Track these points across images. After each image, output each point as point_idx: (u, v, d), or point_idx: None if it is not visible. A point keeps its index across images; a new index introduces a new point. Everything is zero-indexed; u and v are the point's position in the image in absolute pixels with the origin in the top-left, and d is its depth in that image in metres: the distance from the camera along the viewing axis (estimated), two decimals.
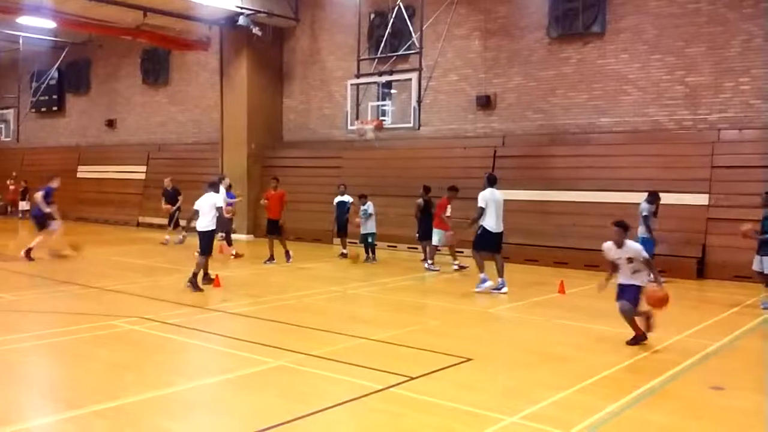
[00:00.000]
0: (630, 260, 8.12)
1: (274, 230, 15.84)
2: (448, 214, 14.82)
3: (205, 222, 12.14)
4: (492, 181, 12.32)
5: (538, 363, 7.59)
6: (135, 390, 6.37)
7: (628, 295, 8.14)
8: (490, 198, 11.99)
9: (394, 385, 6.45)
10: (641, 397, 6.34)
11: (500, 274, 12.10)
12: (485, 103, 18.55)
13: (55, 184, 15.94)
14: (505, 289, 11.98)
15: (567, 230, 16.04)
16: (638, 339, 8.21)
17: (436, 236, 15.01)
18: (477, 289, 12.04)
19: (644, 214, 13.36)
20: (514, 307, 10.81)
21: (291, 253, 15.86)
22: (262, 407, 5.96)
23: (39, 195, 15.72)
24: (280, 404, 6.00)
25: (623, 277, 8.25)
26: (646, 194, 13.74)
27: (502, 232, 12.24)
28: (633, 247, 8.20)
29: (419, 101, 16.67)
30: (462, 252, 15.77)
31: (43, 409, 6.10)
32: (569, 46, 17.40)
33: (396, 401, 6.06)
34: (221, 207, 12.62)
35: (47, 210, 15.52)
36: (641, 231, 13.21)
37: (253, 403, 6.08)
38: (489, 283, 12.05)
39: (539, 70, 17.83)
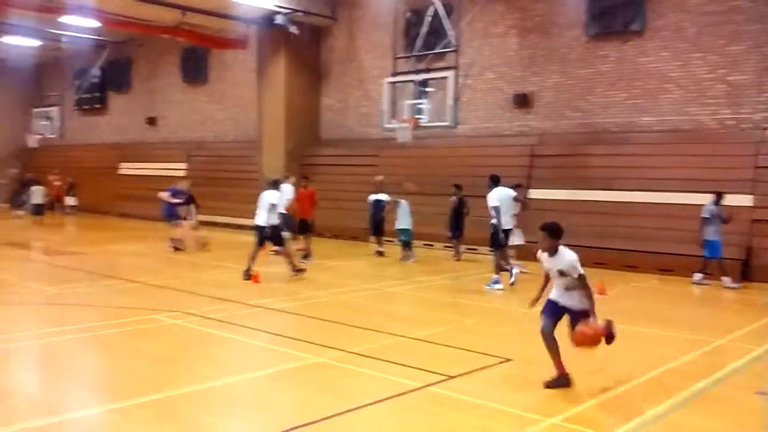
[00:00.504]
0: (562, 273, 6.51)
1: (306, 229, 15.77)
2: (517, 212, 13.84)
3: (263, 217, 12.72)
4: (496, 181, 12.70)
5: (578, 364, 7.51)
6: (177, 383, 6.50)
7: (576, 319, 6.52)
8: (500, 197, 12.36)
9: (432, 384, 6.47)
10: (685, 401, 6.26)
11: (497, 270, 12.43)
12: (522, 101, 18.44)
13: (181, 185, 17.13)
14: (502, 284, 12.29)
15: (606, 230, 15.84)
16: (559, 381, 6.48)
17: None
18: (488, 287, 12.24)
19: (705, 215, 13.09)
20: None
21: (312, 254, 15.45)
22: (301, 403, 6.03)
23: (165, 194, 16.73)
24: (320, 400, 6.06)
25: (554, 293, 6.71)
26: (712, 195, 13.32)
27: (511, 229, 12.62)
28: (566, 257, 6.51)
29: (456, 99, 16.64)
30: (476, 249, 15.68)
31: (89, 400, 6.25)
32: (607, 44, 17.20)
33: (435, 400, 6.08)
34: (275, 204, 12.92)
35: (174, 202, 16.67)
36: (709, 233, 12.95)
37: (292, 399, 6.15)
38: (500, 286, 12.20)
39: (577, 68, 17.67)
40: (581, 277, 6.47)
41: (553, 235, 6.64)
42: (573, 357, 7.78)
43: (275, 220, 12.85)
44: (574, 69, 17.72)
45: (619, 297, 11.93)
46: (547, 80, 18.21)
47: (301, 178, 16.61)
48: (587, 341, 6.38)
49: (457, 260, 16.21)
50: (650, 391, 6.56)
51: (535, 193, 17.49)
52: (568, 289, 6.57)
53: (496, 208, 12.27)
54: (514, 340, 8.58)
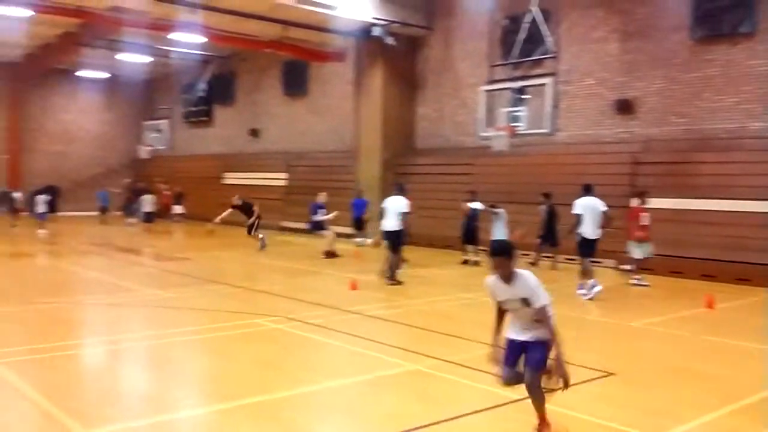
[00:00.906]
0: (526, 303, 5.20)
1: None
2: (646, 222, 13.73)
3: (391, 223, 13.41)
4: (587, 190, 12.79)
5: (684, 381, 7.24)
6: (277, 386, 6.69)
7: (532, 355, 5.30)
8: (585, 205, 12.43)
9: None
10: None
11: (583, 276, 12.53)
12: (624, 107, 17.91)
13: (321, 199, 18.42)
14: (588, 290, 12.33)
15: (714, 241, 15.13)
16: None
17: (638, 249, 14.01)
18: (587, 295, 12.20)
19: None
20: (657, 322, 10.35)
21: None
22: (398, 410, 6.07)
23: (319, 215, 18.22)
24: (417, 408, 6.08)
25: (515, 330, 5.40)
26: None
27: (597, 239, 12.57)
28: (529, 281, 5.17)
29: (554, 106, 16.34)
30: (573, 260, 15.27)
31: (196, 399, 6.53)
32: (715, 47, 16.46)
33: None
34: (404, 210, 13.52)
35: (317, 219, 18.16)
36: None
37: (389, 406, 6.21)
38: (599, 288, 12.19)
39: (682, 73, 16.99)
40: (542, 310, 5.18)
41: (510, 256, 5.16)
42: (677, 377, 7.47)
43: (400, 226, 13.41)
44: (679, 73, 17.05)
45: (728, 310, 11.37)
46: (650, 85, 17.60)
47: (395, 186, 16.52)
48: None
49: (535, 266, 16.27)
50: (762, 411, 6.21)
51: (638, 203, 16.91)
52: (533, 322, 5.26)
53: (578, 216, 12.39)
54: (617, 353, 8.33)
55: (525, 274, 5.20)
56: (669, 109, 17.30)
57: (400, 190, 13.90)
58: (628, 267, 14.34)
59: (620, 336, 9.46)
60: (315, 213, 18.26)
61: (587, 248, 12.54)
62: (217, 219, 19.86)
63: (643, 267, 14.11)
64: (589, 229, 12.40)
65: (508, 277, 5.16)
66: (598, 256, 16.31)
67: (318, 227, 18.23)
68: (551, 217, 16.25)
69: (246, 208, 19.56)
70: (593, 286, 12.23)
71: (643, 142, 17.67)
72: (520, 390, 6.48)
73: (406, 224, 13.57)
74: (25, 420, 5.69)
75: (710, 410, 6.14)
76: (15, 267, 16.46)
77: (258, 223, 19.70)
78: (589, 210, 12.43)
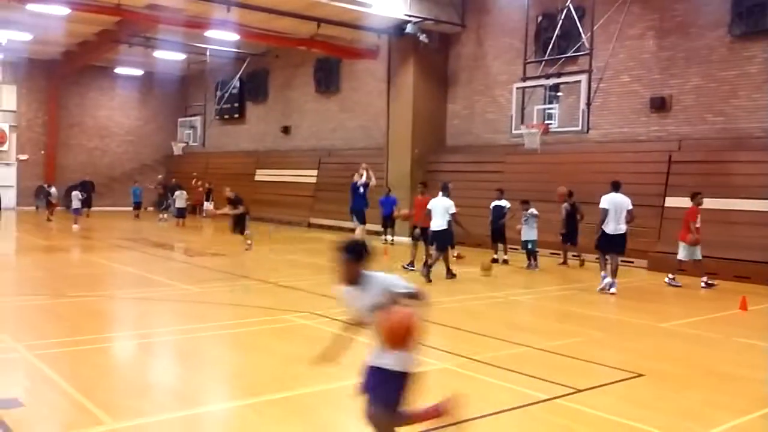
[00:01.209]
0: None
1: (425, 237, 14.53)
2: (698, 224, 13.40)
3: (438, 222, 13.75)
4: (616, 187, 12.95)
5: (716, 383, 7.11)
6: (306, 382, 6.72)
7: (379, 390, 4.54)
8: (610, 201, 12.68)
9: (559, 396, 6.31)
10: None
11: (613, 275, 12.65)
12: (660, 105, 17.63)
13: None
14: (613, 290, 12.50)
15: (751, 242, 14.83)
16: None
17: (683, 251, 13.64)
18: (604, 290, 12.58)
19: None
20: (689, 323, 10.18)
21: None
22: None
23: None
24: None
25: (373, 352, 4.61)
26: None
27: (621, 234, 12.72)
28: (382, 281, 4.44)
29: (588, 104, 16.15)
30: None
31: (225, 394, 6.60)
32: (754, 44, 16.11)
33: (562, 413, 5.93)
34: (454, 213, 13.90)
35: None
36: None
37: (416, 404, 6.18)
38: (609, 279, 12.57)
39: (720, 70, 16.67)
40: (412, 296, 4.56)
41: (357, 257, 4.38)
42: (709, 379, 7.34)
43: (446, 226, 13.70)
44: (716, 71, 16.73)
45: (762, 313, 11.15)
46: (687, 83, 17.30)
47: (419, 184, 16.39)
48: (399, 331, 4.32)
49: (565, 265, 16.56)
50: None
51: (673, 202, 16.68)
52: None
53: (604, 211, 12.64)
54: (647, 354, 8.20)
55: (376, 275, 4.43)
56: (705, 108, 16.99)
57: (445, 190, 14.14)
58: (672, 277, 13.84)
59: (650, 337, 9.32)
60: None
61: (606, 244, 12.76)
62: (218, 211, 19.52)
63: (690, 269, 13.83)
64: (611, 226, 12.62)
65: (353, 280, 4.39)
66: (630, 256, 16.27)
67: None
68: (572, 216, 16.18)
69: (237, 203, 18.08)
70: (607, 283, 12.61)
71: (678, 140, 17.39)
72: (548, 390, 6.44)
73: (451, 224, 13.83)
74: (58, 410, 5.80)
75: (741, 414, 6.02)
76: (49, 261, 16.79)
77: (247, 221, 18.18)
78: (613, 206, 12.65)
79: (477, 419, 5.71)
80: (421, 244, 14.71)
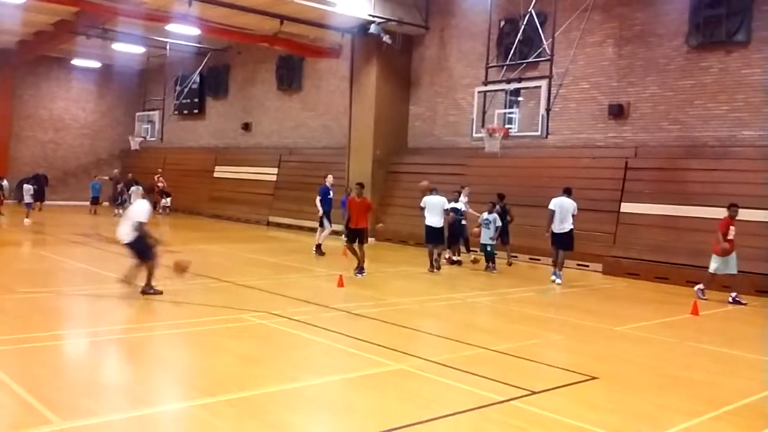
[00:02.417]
0: None
1: (356, 238, 14.35)
2: (731, 236, 12.93)
3: (435, 219, 15.41)
4: (567, 192, 14.75)
5: (668, 386, 7.24)
6: (262, 382, 6.64)
7: None
8: (556, 204, 14.54)
9: (515, 398, 6.35)
10: None
11: (558, 267, 14.59)
12: (617, 112, 17.94)
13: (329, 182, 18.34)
14: (558, 281, 14.36)
15: (702, 248, 15.13)
16: None
17: (714, 263, 13.13)
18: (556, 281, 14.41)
19: None
20: (642, 327, 10.36)
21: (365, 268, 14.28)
22: (382, 409, 6.04)
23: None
24: (401, 407, 6.05)
25: None
26: None
27: (566, 233, 14.46)
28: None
29: (548, 109, 16.33)
30: (587, 266, 15.21)
31: (179, 394, 6.48)
32: (710, 54, 16.50)
33: (517, 415, 5.96)
34: (447, 209, 15.62)
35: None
36: None
37: (373, 405, 6.17)
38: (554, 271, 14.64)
39: (677, 80, 17.03)
40: None
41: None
42: (661, 382, 7.48)
43: (441, 223, 15.41)
44: (673, 80, 17.09)
45: (713, 317, 11.41)
46: (644, 91, 17.64)
47: (356, 184, 15.83)
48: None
49: (509, 265, 17.12)
50: (745, 417, 6.21)
51: (628, 207, 16.99)
52: None
53: (549, 212, 14.54)
54: (601, 357, 8.32)
55: None
56: (662, 116, 17.34)
57: (436, 190, 15.82)
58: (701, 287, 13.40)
59: (605, 340, 9.46)
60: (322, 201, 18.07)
61: (554, 241, 14.64)
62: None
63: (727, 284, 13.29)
64: (556, 225, 14.49)
65: None
66: (586, 260, 16.55)
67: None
68: (504, 217, 16.71)
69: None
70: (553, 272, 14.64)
71: (634, 147, 17.71)
72: (504, 392, 6.49)
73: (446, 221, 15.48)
74: (5, 410, 5.62)
75: (694, 416, 6.14)
76: None
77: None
78: (559, 208, 14.50)
79: (433, 420, 5.71)
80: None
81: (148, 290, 10.81)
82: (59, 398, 5.88)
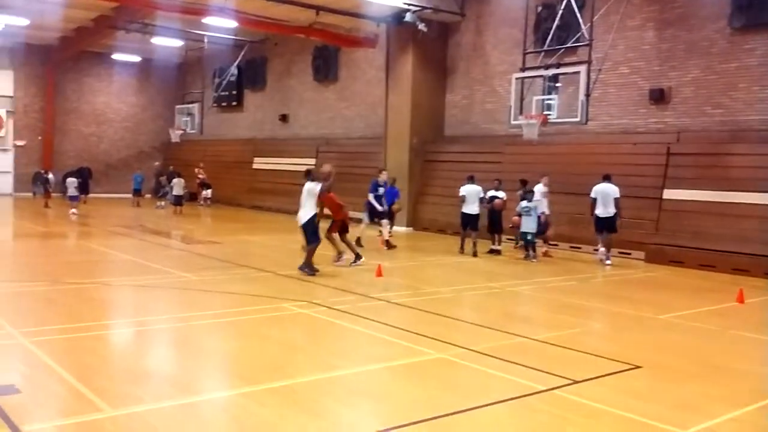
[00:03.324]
0: None
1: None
2: None
3: (473, 207, 16.29)
4: (606, 178, 15.39)
5: (713, 375, 7.13)
6: (304, 371, 6.72)
7: None
8: (596, 191, 15.35)
9: (557, 387, 6.32)
10: None
11: (607, 249, 15.44)
12: (659, 96, 17.60)
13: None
14: (608, 262, 15.22)
15: (749, 234, 14.84)
16: None
17: None
18: (605, 261, 15.30)
19: None
20: (687, 315, 10.19)
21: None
22: (423, 398, 6.06)
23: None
24: (442, 396, 6.07)
25: None
26: None
27: (608, 217, 15.25)
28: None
29: (587, 95, 16.12)
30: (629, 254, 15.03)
31: (223, 382, 6.60)
32: (755, 36, 16.07)
33: (560, 404, 5.94)
34: (484, 197, 16.38)
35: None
36: None
37: (414, 393, 6.20)
38: (602, 249, 15.42)
39: (720, 63, 16.64)
40: None
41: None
42: (705, 371, 7.36)
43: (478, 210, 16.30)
44: (716, 63, 16.70)
45: (760, 306, 11.17)
46: (686, 75, 17.27)
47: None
48: None
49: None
50: None
51: (671, 194, 16.69)
52: None
53: (591, 199, 15.30)
54: (644, 346, 8.22)
55: None
56: (704, 100, 16.97)
57: (473, 179, 16.59)
58: None
59: (648, 328, 9.35)
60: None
61: (599, 225, 15.37)
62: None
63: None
64: (599, 210, 15.24)
65: None
66: (628, 248, 16.34)
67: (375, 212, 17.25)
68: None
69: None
70: (602, 252, 15.30)
71: (676, 132, 17.37)
72: (546, 381, 6.46)
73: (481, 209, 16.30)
74: (55, 397, 5.79)
75: (739, 406, 6.03)
76: (47, 247, 16.76)
77: None
78: (600, 195, 15.20)
79: (474, 410, 5.72)
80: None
81: (304, 268, 12.32)
82: (107, 386, 6.04)
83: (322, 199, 13.05)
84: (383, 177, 17.43)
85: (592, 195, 15.29)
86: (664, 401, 6.14)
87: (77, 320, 8.57)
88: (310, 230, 12.43)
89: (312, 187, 12.49)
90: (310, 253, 12.54)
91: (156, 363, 7.24)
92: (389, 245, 16.88)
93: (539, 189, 16.51)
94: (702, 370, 7.30)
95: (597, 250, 15.86)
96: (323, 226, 13.30)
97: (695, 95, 17.13)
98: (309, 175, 13.03)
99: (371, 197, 17.15)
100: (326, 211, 13.57)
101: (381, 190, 17.25)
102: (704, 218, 15.78)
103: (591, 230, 15.96)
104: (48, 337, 7.68)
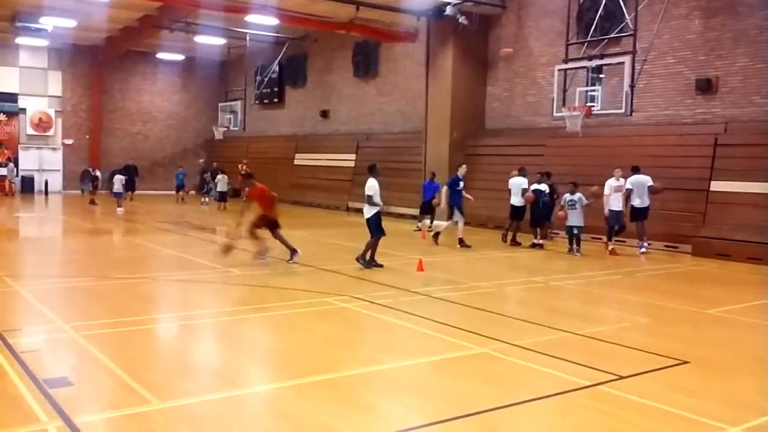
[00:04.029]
0: None
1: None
2: None
3: (517, 200, 16.83)
4: (635, 170, 15.60)
5: (762, 371, 6.96)
6: (347, 364, 6.76)
7: None
8: (632, 181, 15.58)
9: (602, 383, 6.24)
10: None
11: (640, 238, 15.91)
12: (705, 86, 17.20)
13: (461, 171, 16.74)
14: (642, 249, 15.85)
15: None
16: None
17: None
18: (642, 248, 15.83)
19: None
20: (735, 309, 9.97)
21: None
22: (466, 392, 6.05)
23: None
24: (485, 391, 6.05)
25: None
26: None
27: (644, 207, 15.72)
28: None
29: (632, 86, 15.84)
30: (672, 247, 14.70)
31: (268, 375, 6.67)
32: None
33: (604, 399, 5.86)
34: (525, 189, 16.67)
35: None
36: None
37: (457, 388, 6.19)
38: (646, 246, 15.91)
39: None
40: None
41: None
42: (756, 367, 7.19)
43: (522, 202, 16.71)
44: (765, 52, 16.23)
45: None
46: (734, 64, 16.83)
47: (243, 173, 14.74)
48: None
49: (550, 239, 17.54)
50: None
51: (718, 186, 16.31)
52: None
53: (628, 190, 15.53)
54: (692, 341, 8.06)
55: None
56: (753, 89, 16.53)
57: (521, 170, 17.12)
58: None
59: (695, 323, 9.16)
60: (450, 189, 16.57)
61: (635, 216, 15.75)
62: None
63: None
64: (637, 201, 15.58)
65: None
66: (675, 241, 16.01)
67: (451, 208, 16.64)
68: (552, 195, 16.84)
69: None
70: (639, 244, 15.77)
71: (724, 123, 16.96)
72: (590, 376, 6.38)
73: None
74: (106, 390, 5.94)
75: None
76: (95, 243, 17.16)
77: None
78: (636, 185, 15.48)
79: (518, 405, 5.69)
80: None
81: (360, 259, 12.72)
82: (155, 379, 6.17)
83: (250, 195, 13.01)
84: (463, 171, 16.76)
85: (627, 186, 15.52)
86: (713, 397, 6.01)
87: (125, 314, 8.77)
88: (373, 225, 12.67)
89: (372, 184, 12.65)
90: (369, 247, 12.80)
91: (202, 357, 7.36)
92: (463, 243, 16.14)
93: (610, 183, 15.72)
94: (751, 366, 7.13)
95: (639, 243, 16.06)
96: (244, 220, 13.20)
97: (743, 85, 16.69)
98: (372, 170, 13.03)
99: (447, 192, 16.58)
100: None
101: (461, 185, 16.49)
102: (752, 210, 15.38)
103: (633, 224, 15.73)
104: (97, 331, 7.87)
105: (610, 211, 15.61)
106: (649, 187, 15.56)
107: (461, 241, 16.19)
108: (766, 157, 15.73)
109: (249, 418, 5.46)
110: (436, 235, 16.86)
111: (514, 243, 16.83)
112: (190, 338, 8.22)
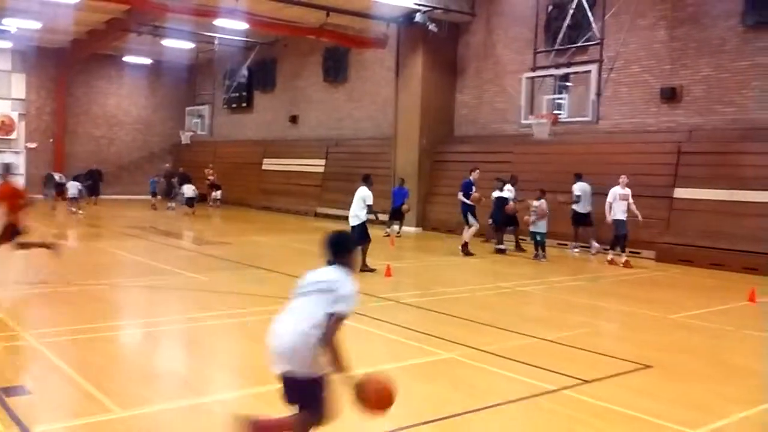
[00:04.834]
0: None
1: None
2: None
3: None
4: (579, 177, 17.02)
5: (724, 375, 7.07)
6: None
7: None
8: (579, 188, 16.89)
9: (567, 387, 6.29)
10: None
11: (593, 238, 16.98)
12: (670, 95, 17.49)
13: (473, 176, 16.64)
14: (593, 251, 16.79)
15: (760, 234, 14.73)
16: None
17: None
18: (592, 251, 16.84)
19: None
20: (697, 314, 10.13)
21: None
22: (433, 398, 6.05)
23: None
24: (453, 396, 6.05)
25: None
26: None
27: (588, 212, 16.78)
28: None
29: (598, 94, 16.05)
30: (639, 253, 14.90)
31: (233, 383, 6.60)
32: (767, 34, 15.94)
33: (569, 404, 5.91)
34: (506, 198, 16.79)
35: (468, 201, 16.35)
36: None
37: (425, 393, 6.19)
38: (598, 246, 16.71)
39: (732, 61, 16.51)
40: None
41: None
42: (716, 371, 7.30)
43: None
44: (728, 61, 16.57)
45: None
46: (698, 73, 17.15)
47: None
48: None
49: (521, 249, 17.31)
50: None
51: (682, 193, 16.60)
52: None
53: (576, 196, 16.74)
54: (655, 346, 8.17)
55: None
56: (716, 98, 16.85)
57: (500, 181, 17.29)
58: None
59: (658, 328, 9.28)
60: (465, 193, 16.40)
61: (579, 221, 16.96)
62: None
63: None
64: (581, 207, 16.72)
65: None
66: (638, 247, 16.24)
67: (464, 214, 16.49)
68: (504, 201, 17.02)
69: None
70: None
71: (688, 131, 17.27)
72: (556, 381, 6.42)
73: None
74: (66, 398, 5.82)
75: (751, 405, 5.99)
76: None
77: None
78: (584, 192, 16.58)
79: (483, 410, 5.70)
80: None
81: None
82: (118, 387, 6.06)
83: None
84: (476, 175, 16.64)
85: (578, 192, 16.77)
86: (675, 401, 6.09)
87: (87, 321, 8.61)
88: (358, 232, 12.72)
89: (368, 194, 13.07)
90: (363, 254, 12.94)
91: (166, 364, 7.26)
92: (466, 250, 16.01)
93: (615, 191, 14.97)
94: (713, 370, 7.24)
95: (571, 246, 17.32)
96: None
97: (707, 94, 17.02)
98: (367, 180, 13.30)
99: (461, 197, 16.42)
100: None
101: (474, 189, 16.34)
102: (715, 217, 15.67)
103: (603, 230, 15.94)
104: (58, 338, 7.72)
105: (615, 220, 14.88)
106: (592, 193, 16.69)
107: (465, 247, 16.03)
108: (729, 164, 16.05)
109: (213, 426, 5.38)
110: (465, 245, 16.10)
111: (497, 251, 16.88)
112: (153, 345, 8.10)
